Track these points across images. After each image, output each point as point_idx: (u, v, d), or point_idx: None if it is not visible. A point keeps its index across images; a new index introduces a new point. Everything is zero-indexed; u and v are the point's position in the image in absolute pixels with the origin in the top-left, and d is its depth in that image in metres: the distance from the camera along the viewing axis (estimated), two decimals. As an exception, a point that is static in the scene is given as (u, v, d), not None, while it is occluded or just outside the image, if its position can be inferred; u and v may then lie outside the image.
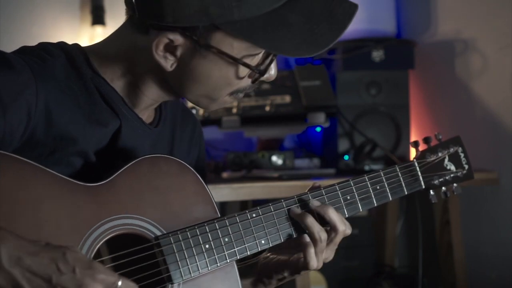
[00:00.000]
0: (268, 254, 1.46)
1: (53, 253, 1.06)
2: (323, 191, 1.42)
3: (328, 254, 1.39)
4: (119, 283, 1.09)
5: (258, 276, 1.46)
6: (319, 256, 1.36)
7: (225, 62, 1.25)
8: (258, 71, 1.27)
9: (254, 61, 1.27)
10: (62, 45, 1.32)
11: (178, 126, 1.49)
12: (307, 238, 1.36)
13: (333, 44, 1.24)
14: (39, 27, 2.77)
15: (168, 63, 1.26)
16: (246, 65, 1.25)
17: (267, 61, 1.28)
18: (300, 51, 1.25)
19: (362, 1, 2.85)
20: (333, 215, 1.35)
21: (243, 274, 1.42)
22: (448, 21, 2.89)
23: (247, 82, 1.30)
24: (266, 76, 1.31)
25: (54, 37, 2.68)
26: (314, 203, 1.38)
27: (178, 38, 1.23)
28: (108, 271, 1.09)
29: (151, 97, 1.35)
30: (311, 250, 1.35)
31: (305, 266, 1.36)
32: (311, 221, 1.35)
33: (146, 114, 1.40)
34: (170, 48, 1.24)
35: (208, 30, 1.22)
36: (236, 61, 1.24)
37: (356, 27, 2.84)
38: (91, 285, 1.06)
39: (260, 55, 1.27)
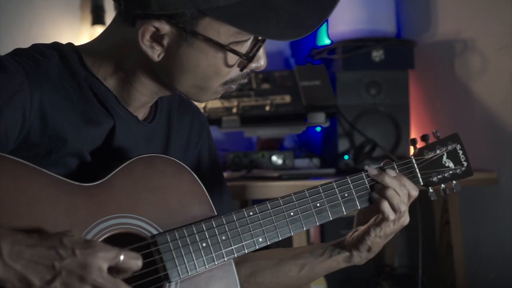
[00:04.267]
0: (353, 231, 1.51)
1: (50, 241, 1.08)
2: (320, 188, 1.42)
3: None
4: (121, 257, 1.10)
5: (350, 251, 1.49)
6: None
7: (212, 50, 1.24)
8: (245, 57, 1.26)
9: (242, 49, 1.26)
10: (55, 45, 1.33)
11: (174, 117, 1.48)
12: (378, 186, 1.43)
13: (319, 26, 1.24)
14: (39, 27, 2.76)
15: (155, 53, 1.26)
16: (233, 52, 1.24)
17: (255, 48, 1.27)
18: (287, 35, 1.24)
19: (362, 1, 2.87)
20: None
21: (335, 253, 1.50)
22: (448, 21, 2.88)
23: (237, 71, 1.30)
24: (255, 65, 1.31)
25: (54, 37, 2.68)
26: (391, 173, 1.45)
27: (164, 27, 1.22)
28: (108, 247, 1.10)
29: (144, 93, 1.35)
30: (386, 204, 1.41)
31: (384, 217, 1.42)
32: (391, 193, 1.41)
33: (142, 112, 1.40)
34: (157, 37, 1.24)
35: (194, 17, 1.21)
36: (223, 48, 1.24)
37: (356, 27, 2.84)
38: (94, 263, 1.07)
39: (249, 43, 1.27)
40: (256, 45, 1.27)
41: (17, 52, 1.29)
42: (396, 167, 1.50)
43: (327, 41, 2.99)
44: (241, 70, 1.29)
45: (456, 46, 2.82)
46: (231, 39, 1.24)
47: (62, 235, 1.08)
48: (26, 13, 2.74)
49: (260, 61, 1.31)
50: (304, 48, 3.08)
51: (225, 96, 2.65)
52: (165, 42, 1.25)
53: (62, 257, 1.07)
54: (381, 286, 2.89)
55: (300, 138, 3.07)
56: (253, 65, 1.31)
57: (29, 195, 1.16)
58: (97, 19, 2.80)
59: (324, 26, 3.02)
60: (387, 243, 2.97)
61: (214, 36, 1.23)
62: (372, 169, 1.45)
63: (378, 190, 1.44)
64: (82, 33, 2.83)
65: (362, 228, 1.48)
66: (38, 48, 1.30)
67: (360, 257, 1.50)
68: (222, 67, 1.27)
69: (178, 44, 1.25)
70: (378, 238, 1.45)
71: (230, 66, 1.28)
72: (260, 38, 1.26)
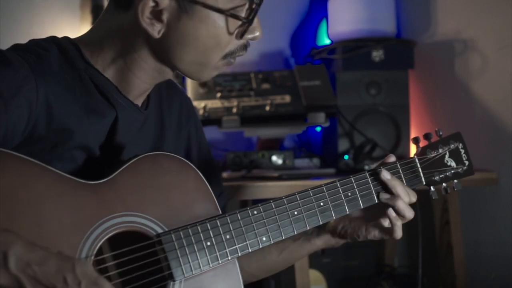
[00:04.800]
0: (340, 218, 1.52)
1: (62, 264, 1.07)
2: (324, 187, 1.43)
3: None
4: None
5: (332, 234, 1.53)
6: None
7: (211, 18, 1.27)
8: (246, 20, 1.29)
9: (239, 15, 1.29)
10: (53, 39, 1.33)
11: (164, 99, 1.49)
12: (393, 213, 1.44)
13: None
14: (38, 27, 2.76)
15: (155, 30, 1.27)
16: (233, 16, 1.27)
17: (253, 12, 1.29)
18: None
19: (362, 1, 2.87)
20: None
21: (313, 235, 1.54)
22: (448, 21, 2.89)
23: (236, 43, 1.32)
24: (251, 35, 1.32)
25: (54, 37, 2.68)
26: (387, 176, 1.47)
27: (163, 0, 1.23)
28: None
29: (144, 79, 1.35)
30: (399, 223, 1.44)
31: (391, 235, 1.45)
32: (403, 204, 1.44)
33: (141, 101, 1.40)
34: (156, 13, 1.26)
35: None
36: (223, 13, 1.26)
37: (356, 27, 2.84)
38: None
39: (244, 9, 1.29)
40: (252, 10, 1.29)
41: (18, 47, 1.30)
42: (399, 166, 1.50)
43: (327, 41, 2.99)
44: (241, 37, 1.31)
45: (456, 46, 2.82)
46: (228, 5, 1.27)
47: (76, 262, 1.08)
48: (26, 13, 2.74)
49: (256, 32, 1.33)
50: (304, 48, 3.09)
51: (225, 96, 2.65)
52: (165, 17, 1.26)
53: (67, 284, 1.06)
54: (381, 286, 2.89)
55: (300, 138, 3.07)
56: (249, 36, 1.33)
57: (34, 193, 1.16)
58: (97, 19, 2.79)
59: (324, 26, 3.02)
60: (386, 243, 2.99)
61: (212, 2, 1.26)
62: (386, 173, 1.46)
63: (388, 199, 1.47)
64: (82, 33, 2.82)
65: (359, 224, 1.49)
66: (37, 43, 1.31)
67: (339, 242, 1.55)
68: (222, 36, 1.29)
69: (177, 18, 1.26)
70: (368, 238, 1.49)
71: (230, 34, 1.29)
72: (255, 3, 1.29)
